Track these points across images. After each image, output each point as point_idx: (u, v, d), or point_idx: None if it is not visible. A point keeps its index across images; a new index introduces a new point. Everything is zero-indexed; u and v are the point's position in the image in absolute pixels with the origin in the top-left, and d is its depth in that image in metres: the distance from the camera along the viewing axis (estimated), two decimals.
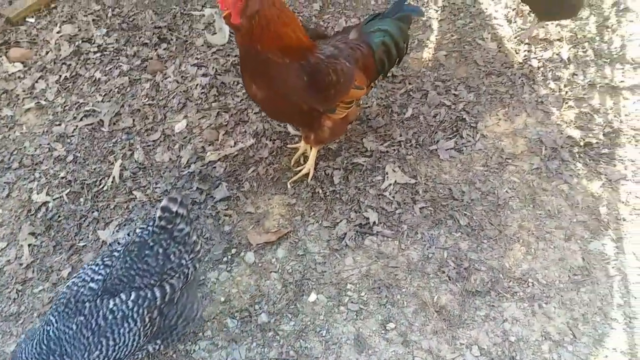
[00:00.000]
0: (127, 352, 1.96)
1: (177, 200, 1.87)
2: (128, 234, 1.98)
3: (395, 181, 2.87)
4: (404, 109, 3.20)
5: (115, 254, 2.00)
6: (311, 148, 2.96)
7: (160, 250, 1.92)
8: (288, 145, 3.06)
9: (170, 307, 2.01)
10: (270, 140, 3.09)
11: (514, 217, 2.75)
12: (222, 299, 2.49)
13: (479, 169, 2.94)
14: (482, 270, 2.56)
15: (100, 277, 1.92)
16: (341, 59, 2.41)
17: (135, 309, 1.90)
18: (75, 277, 1.97)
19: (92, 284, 1.91)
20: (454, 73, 3.38)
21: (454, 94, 3.27)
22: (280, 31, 2.17)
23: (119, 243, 2.64)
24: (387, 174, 2.90)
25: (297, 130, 3.13)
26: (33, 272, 2.61)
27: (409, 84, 3.32)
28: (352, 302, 2.46)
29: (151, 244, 1.91)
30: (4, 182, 2.97)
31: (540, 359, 2.30)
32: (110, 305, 1.88)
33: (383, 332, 2.37)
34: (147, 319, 1.93)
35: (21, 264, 2.63)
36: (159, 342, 2.17)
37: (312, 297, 2.48)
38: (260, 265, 2.60)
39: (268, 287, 2.52)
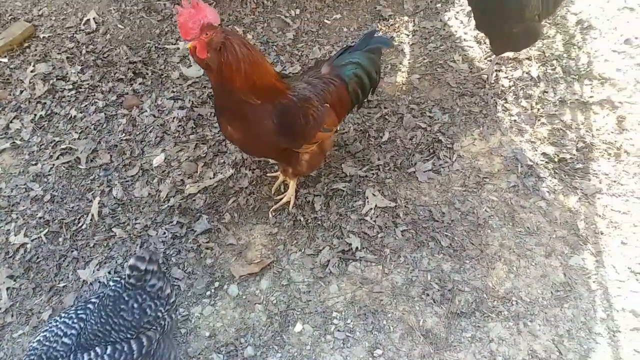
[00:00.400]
0: None
1: (144, 259, 1.90)
2: (99, 293, 1.99)
3: (376, 205, 2.94)
4: (380, 133, 3.29)
5: (90, 306, 1.99)
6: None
7: (136, 305, 1.93)
8: (268, 174, 3.11)
9: (147, 358, 2.01)
10: (250, 169, 3.14)
11: (494, 236, 2.83)
12: (207, 334, 2.49)
13: (458, 189, 3.03)
14: (466, 290, 2.62)
15: (74, 331, 1.91)
16: (314, 102, 2.51)
17: None
18: (46, 330, 1.94)
19: (65, 339, 1.90)
20: (427, 95, 3.50)
21: (429, 116, 3.37)
22: (250, 71, 2.24)
23: (105, 286, 2.64)
24: (367, 198, 2.97)
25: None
26: (12, 316, 2.59)
27: (385, 108, 3.42)
28: (338, 330, 2.49)
29: (126, 298, 1.92)
30: None
31: None
32: (86, 359, 1.87)
33: (371, 359, 2.40)
34: None
35: (0, 308, 2.61)
36: None
37: (298, 327, 2.50)
38: (244, 297, 2.62)
39: (253, 319, 2.54)
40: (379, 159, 3.15)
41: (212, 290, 2.64)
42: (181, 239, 2.84)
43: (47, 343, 1.88)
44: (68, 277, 2.71)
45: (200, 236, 2.84)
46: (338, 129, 3.14)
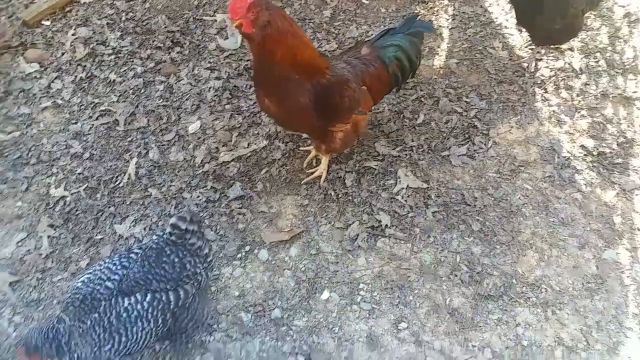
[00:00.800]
0: (137, 349, 2.06)
1: (186, 219, 2.02)
2: (142, 242, 2.10)
3: (408, 185, 2.99)
4: (415, 114, 3.33)
5: (133, 255, 2.10)
6: None
7: (176, 260, 2.06)
8: (300, 148, 3.19)
9: (183, 311, 2.12)
10: (283, 142, 3.22)
11: (527, 224, 2.85)
12: (236, 294, 2.59)
13: (492, 176, 3.06)
14: (495, 274, 2.66)
15: (117, 277, 2.03)
16: (351, 83, 2.57)
17: (149, 310, 2.01)
18: (90, 273, 2.07)
19: (108, 283, 2.01)
20: (465, 80, 3.52)
21: (466, 101, 3.40)
22: (292, 46, 2.32)
23: (140, 241, 2.76)
24: (399, 178, 3.02)
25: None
26: (52, 262, 2.73)
27: (420, 90, 3.46)
28: (364, 301, 2.56)
29: (168, 252, 2.05)
30: (23, 177, 3.10)
31: None
32: (125, 304, 1.99)
33: (395, 331, 2.47)
34: (160, 320, 2.04)
35: (40, 254, 2.75)
36: (167, 342, 2.27)
37: (325, 295, 2.58)
38: (273, 262, 2.71)
39: (281, 283, 2.63)
40: (412, 140, 3.20)
41: (243, 254, 2.74)
42: (214, 203, 2.94)
43: (91, 285, 2.00)
44: (105, 231, 2.83)
45: (233, 202, 2.94)
46: (373, 108, 3.20)
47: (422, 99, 3.42)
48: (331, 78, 2.49)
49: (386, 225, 2.82)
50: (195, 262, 2.10)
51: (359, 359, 2.38)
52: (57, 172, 3.11)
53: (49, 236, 2.83)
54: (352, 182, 3.02)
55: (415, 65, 2.85)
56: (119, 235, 2.81)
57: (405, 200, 2.93)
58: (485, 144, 3.19)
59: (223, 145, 3.21)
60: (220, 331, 2.48)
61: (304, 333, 2.46)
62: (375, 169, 3.07)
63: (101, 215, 2.91)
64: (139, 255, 2.07)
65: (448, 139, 3.21)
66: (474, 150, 3.16)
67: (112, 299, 1.99)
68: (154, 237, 2.11)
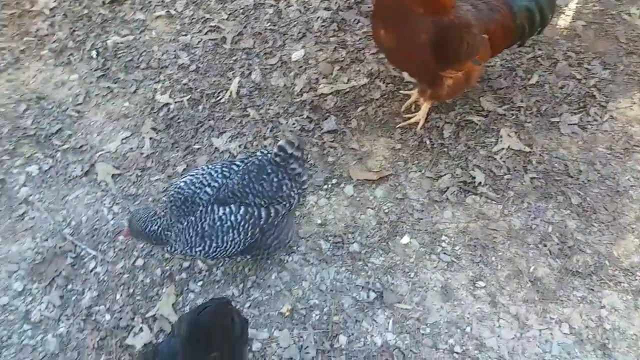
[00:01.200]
0: (223, 255, 2.21)
1: (293, 145, 2.07)
2: (248, 156, 2.21)
3: (509, 146, 2.88)
4: (529, 74, 3.16)
5: (234, 167, 2.19)
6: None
7: (275, 180, 2.13)
8: (401, 91, 3.14)
9: (270, 228, 2.22)
10: (384, 82, 3.19)
11: (632, 207, 2.68)
12: (319, 222, 2.68)
13: (602, 151, 2.87)
14: (587, 252, 2.55)
15: (216, 184, 2.13)
16: (474, 29, 2.44)
17: (242, 222, 2.12)
18: (192, 175, 2.19)
19: (207, 189, 2.13)
20: (590, 46, 3.27)
21: (587, 68, 3.17)
22: None
23: (234, 157, 2.89)
24: (501, 137, 2.91)
25: (413, 78, 3.20)
26: (152, 162, 2.94)
27: (539, 49, 3.26)
28: (444, 253, 2.56)
29: (269, 171, 2.12)
30: (133, 79, 3.31)
31: (635, 355, 2.29)
32: (220, 213, 2.10)
33: (472, 288, 2.46)
34: (249, 234, 2.15)
35: (142, 154, 2.96)
36: (249, 255, 2.40)
37: (405, 239, 2.60)
38: (358, 199, 2.75)
39: (363, 220, 2.67)
40: (521, 101, 3.05)
41: (329, 186, 2.80)
42: (308, 132, 2.99)
43: (192, 187, 2.13)
44: (202, 142, 2.99)
45: (326, 134, 2.98)
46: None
47: (539, 58, 3.23)
48: (454, 19, 2.39)
49: (479, 182, 2.76)
50: (292, 186, 2.17)
51: (430, 306, 2.41)
52: (164, 79, 3.29)
53: (151, 138, 3.03)
54: (450, 134, 2.95)
55: (546, 21, 2.67)
56: (215, 147, 2.95)
57: (504, 161, 2.84)
58: (600, 117, 2.98)
59: (323, 77, 3.22)
60: (298, 254, 2.58)
61: (379, 271, 2.51)
62: (477, 125, 2.98)
63: (201, 126, 3.06)
64: (241, 168, 2.16)
65: (561, 105, 3.03)
66: (587, 122, 2.97)
67: (209, 206, 2.11)
68: (259, 153, 2.18)
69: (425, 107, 2.95)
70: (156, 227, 2.15)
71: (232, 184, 2.12)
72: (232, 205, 2.12)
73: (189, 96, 3.19)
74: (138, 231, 2.16)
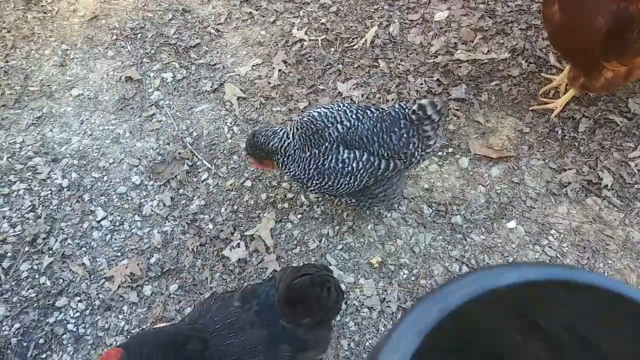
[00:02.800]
0: (331, 193, 2.40)
1: (435, 107, 2.14)
2: (381, 107, 2.34)
3: None
4: None
5: (369, 112, 2.33)
6: (566, 87, 3.00)
7: (405, 136, 2.23)
8: (542, 74, 3.12)
9: (383, 180, 2.37)
10: (526, 61, 3.18)
11: None
12: (426, 186, 2.81)
13: None
14: None
15: (348, 123, 2.28)
16: None
17: (361, 170, 2.27)
18: (327, 109, 2.35)
19: (339, 126, 2.29)
20: None
21: None
22: None
23: (355, 103, 3.08)
24: None
25: (560, 63, 3.16)
26: (276, 93, 3.20)
27: None
28: (550, 247, 2.60)
29: (401, 125, 2.22)
30: (274, 9, 3.57)
31: None
32: (344, 156, 2.27)
33: None
34: (363, 181, 2.31)
35: (269, 83, 3.23)
36: (354, 200, 2.57)
37: (512, 224, 2.67)
38: (471, 173, 2.84)
39: (472, 195, 2.77)
40: None
41: (444, 154, 2.91)
42: (434, 95, 3.10)
43: (325, 120, 2.31)
44: (327, 84, 3.20)
45: (453, 101, 3.06)
46: None
47: None
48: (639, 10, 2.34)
49: (605, 186, 2.73)
50: (418, 146, 2.27)
51: None
52: (304, 15, 3.51)
53: (280, 70, 3.28)
54: (585, 129, 2.92)
55: None
56: (339, 92, 3.15)
57: (638, 170, 2.78)
58: None
59: (463, 43, 3.28)
60: (398, 212, 2.75)
61: (477, 249, 2.62)
62: (618, 125, 2.91)
63: (329, 68, 3.26)
64: (375, 115, 2.30)
65: None
66: None
67: (335, 144, 2.29)
68: (397, 106, 2.29)
69: (568, 95, 2.92)
70: (280, 145, 2.34)
71: (362, 128, 2.26)
72: (356, 151, 2.27)
73: (323, 36, 3.40)
74: (260, 143, 2.35)
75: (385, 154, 2.27)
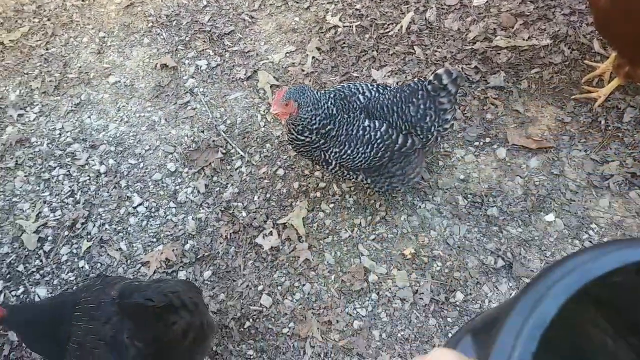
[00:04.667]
0: (349, 164, 2.37)
1: (451, 75, 2.16)
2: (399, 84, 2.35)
3: None
4: None
5: (389, 87, 2.39)
6: (611, 76, 2.89)
7: (422, 106, 2.26)
8: (586, 61, 3.01)
9: (400, 157, 2.37)
10: (569, 48, 3.07)
11: None
12: (461, 177, 2.77)
13: None
14: None
15: (369, 94, 2.35)
16: None
17: (379, 139, 2.28)
18: (351, 83, 2.42)
19: (360, 96, 2.34)
20: None
21: None
22: None
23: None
24: None
25: (605, 49, 3.04)
26: (309, 80, 3.19)
27: None
28: (590, 241, 2.53)
29: (419, 96, 2.26)
30: None
31: None
32: (365, 124, 2.29)
33: None
34: (379, 153, 2.31)
35: (302, 70, 3.22)
36: (369, 180, 2.53)
37: (550, 217, 2.60)
38: (509, 164, 2.78)
39: (509, 187, 2.71)
40: None
41: (481, 143, 2.85)
42: (472, 83, 3.03)
43: (352, 89, 2.37)
44: (362, 71, 3.17)
45: (491, 90, 2.99)
46: None
47: None
48: None
49: None
50: (434, 120, 2.30)
51: None
52: (338, 1, 3.47)
53: (313, 57, 3.27)
54: (630, 119, 2.81)
55: None
56: (373, 79, 3.11)
57: None
58: None
59: (502, 29, 3.19)
60: (432, 203, 2.72)
61: (513, 242, 2.57)
62: None
63: (363, 55, 3.23)
64: (395, 88, 2.36)
65: None
66: None
67: (358, 112, 2.31)
68: (416, 79, 2.32)
69: (613, 84, 2.81)
70: (330, 104, 2.28)
71: (382, 98, 2.32)
72: (376, 121, 2.30)
73: (358, 22, 3.35)
74: (311, 99, 2.24)
75: (403, 127, 2.31)
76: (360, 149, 2.31)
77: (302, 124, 2.27)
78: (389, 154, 2.34)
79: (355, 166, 2.39)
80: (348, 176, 2.51)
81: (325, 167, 2.46)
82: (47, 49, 3.64)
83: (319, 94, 2.27)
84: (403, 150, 2.35)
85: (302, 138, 2.34)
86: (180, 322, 1.90)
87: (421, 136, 2.34)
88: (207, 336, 2.13)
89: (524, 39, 3.14)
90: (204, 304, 2.20)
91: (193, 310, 1.95)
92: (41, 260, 2.83)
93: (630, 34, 2.43)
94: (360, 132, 2.29)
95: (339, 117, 2.29)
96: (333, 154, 2.35)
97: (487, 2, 3.30)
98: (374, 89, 2.38)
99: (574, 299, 0.45)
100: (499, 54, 3.11)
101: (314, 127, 2.27)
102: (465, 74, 3.05)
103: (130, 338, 1.89)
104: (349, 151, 2.32)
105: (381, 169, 2.44)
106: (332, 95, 2.32)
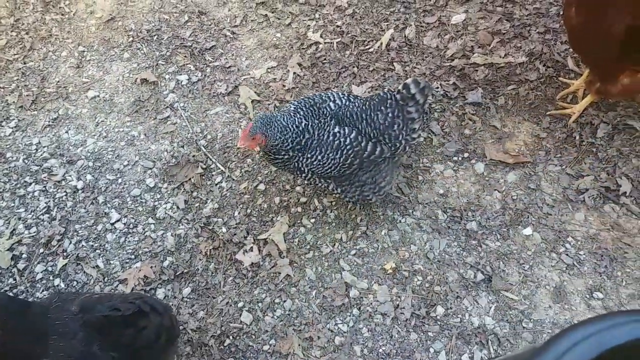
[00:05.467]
0: (319, 171, 2.39)
1: (419, 85, 2.24)
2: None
3: None
4: None
5: (359, 97, 2.46)
6: (584, 92, 2.97)
7: (390, 115, 2.33)
8: (560, 78, 3.09)
9: (369, 165, 2.42)
10: (544, 65, 3.15)
11: None
12: (440, 192, 2.80)
13: None
14: None
15: (339, 102, 2.40)
16: None
17: (348, 146, 2.32)
18: (322, 94, 2.47)
19: (331, 104, 2.40)
20: None
21: None
22: None
23: None
24: None
25: (578, 67, 3.13)
26: (291, 96, 3.21)
27: None
28: (567, 254, 2.58)
29: (387, 105, 2.32)
30: (289, 12, 3.57)
31: None
32: (335, 130, 2.33)
33: (588, 297, 2.47)
34: (348, 160, 2.34)
35: (284, 86, 3.24)
36: (339, 189, 2.54)
37: (528, 231, 2.65)
38: (487, 179, 2.82)
39: (487, 201, 2.75)
40: None
41: (460, 158, 2.89)
42: (450, 100, 3.08)
43: (320, 98, 2.42)
44: (342, 87, 3.20)
45: (469, 106, 3.05)
46: None
47: None
48: None
49: (624, 193, 2.70)
50: (402, 128, 2.35)
51: (538, 302, 2.47)
52: (319, 18, 3.51)
53: (294, 73, 3.29)
54: (604, 135, 2.88)
55: None
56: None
57: None
58: None
59: (479, 47, 3.26)
60: (412, 217, 2.74)
61: (492, 255, 2.60)
62: (638, 131, 2.87)
63: (344, 71, 3.26)
64: (365, 97, 2.44)
65: None
66: None
67: (328, 119, 2.36)
68: (386, 89, 2.38)
69: (586, 100, 2.89)
70: (297, 120, 2.34)
71: (352, 106, 2.38)
72: (346, 127, 2.34)
73: (339, 39, 3.40)
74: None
75: (372, 134, 2.35)
76: (331, 155, 2.34)
77: (275, 148, 2.34)
78: (358, 160, 2.37)
79: (325, 173, 2.41)
80: (320, 184, 2.54)
81: (299, 175, 2.49)
82: (24, 63, 3.60)
83: (285, 117, 2.32)
84: (372, 158, 2.39)
85: (280, 157, 2.39)
86: (150, 326, 1.93)
87: (389, 144, 2.39)
88: (178, 334, 2.18)
89: (500, 57, 3.21)
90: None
91: (162, 312, 1.99)
92: (15, 279, 2.77)
93: (600, 52, 2.51)
94: (331, 137, 2.34)
95: (310, 124, 2.34)
96: (305, 159, 2.37)
97: (465, 20, 3.37)
98: (344, 97, 2.43)
99: None
100: (476, 70, 3.17)
101: (288, 147, 2.33)
102: (443, 90, 3.11)
103: (102, 350, 1.88)
104: (319, 157, 2.35)
105: (351, 177, 2.47)
106: (300, 105, 2.40)
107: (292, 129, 2.31)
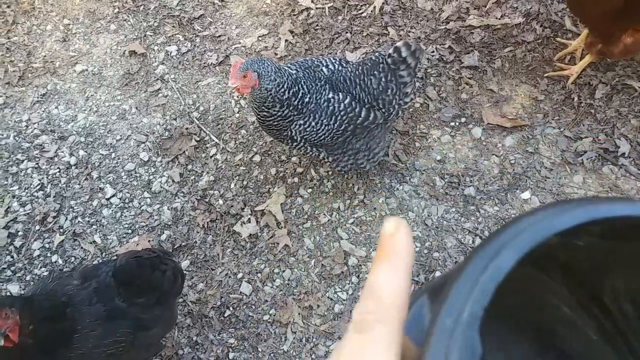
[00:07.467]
0: (312, 138, 2.36)
1: (410, 48, 2.18)
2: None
3: None
4: None
5: (351, 63, 2.41)
6: (583, 52, 2.94)
7: (383, 79, 2.28)
8: (558, 38, 3.05)
9: (362, 131, 2.40)
10: (541, 26, 3.11)
11: None
12: (438, 158, 2.80)
13: None
14: None
15: (332, 67, 2.36)
16: None
17: (342, 112, 2.30)
18: (316, 57, 2.43)
19: (324, 69, 2.35)
20: None
21: None
22: None
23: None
24: None
25: (576, 26, 3.09)
26: (284, 64, 3.17)
27: None
28: None
29: (380, 69, 2.28)
30: None
31: None
32: (329, 96, 2.30)
33: None
34: (342, 126, 2.33)
35: (276, 54, 3.19)
36: (330, 157, 2.53)
37: (526, 195, 2.66)
38: (484, 143, 2.82)
39: (485, 166, 2.75)
40: None
41: (457, 124, 2.88)
42: (446, 64, 3.05)
43: (313, 62, 2.37)
44: (336, 53, 3.16)
45: (465, 69, 3.02)
46: None
47: None
48: None
49: (623, 153, 2.70)
50: (395, 93, 2.32)
51: None
52: None
53: (286, 40, 3.24)
54: (602, 95, 2.87)
55: None
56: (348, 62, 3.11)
57: None
58: None
59: (475, 8, 3.21)
60: (410, 185, 2.74)
61: (491, 220, 2.61)
62: (636, 91, 2.85)
63: (337, 37, 3.21)
64: (357, 62, 2.39)
65: None
66: None
67: (321, 83, 2.32)
68: (377, 53, 2.34)
69: (584, 61, 2.86)
70: (294, 71, 2.30)
71: (345, 71, 2.34)
72: (340, 93, 2.32)
73: (331, 4, 3.33)
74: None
75: (366, 100, 2.32)
76: (325, 121, 2.31)
77: (271, 95, 2.20)
78: (351, 127, 2.35)
79: (318, 140, 2.38)
80: (310, 153, 2.52)
81: (290, 143, 2.45)
82: (8, 38, 3.53)
83: (279, 64, 2.26)
84: (366, 124, 2.36)
85: (274, 112, 2.27)
86: (168, 268, 2.07)
87: (383, 110, 2.36)
88: (184, 278, 2.33)
89: (496, 18, 3.16)
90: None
91: (172, 256, 2.20)
92: (12, 257, 2.78)
93: (601, 12, 2.46)
94: (325, 103, 2.31)
95: (308, 83, 2.29)
96: (298, 126, 2.34)
97: None
98: (337, 62, 2.39)
99: (536, 263, 0.43)
100: (472, 33, 3.13)
101: (284, 97, 2.22)
102: (439, 53, 3.07)
103: (126, 301, 2.02)
104: (312, 123, 2.32)
105: (344, 145, 2.45)
106: (295, 66, 2.34)
107: (287, 75, 2.20)
